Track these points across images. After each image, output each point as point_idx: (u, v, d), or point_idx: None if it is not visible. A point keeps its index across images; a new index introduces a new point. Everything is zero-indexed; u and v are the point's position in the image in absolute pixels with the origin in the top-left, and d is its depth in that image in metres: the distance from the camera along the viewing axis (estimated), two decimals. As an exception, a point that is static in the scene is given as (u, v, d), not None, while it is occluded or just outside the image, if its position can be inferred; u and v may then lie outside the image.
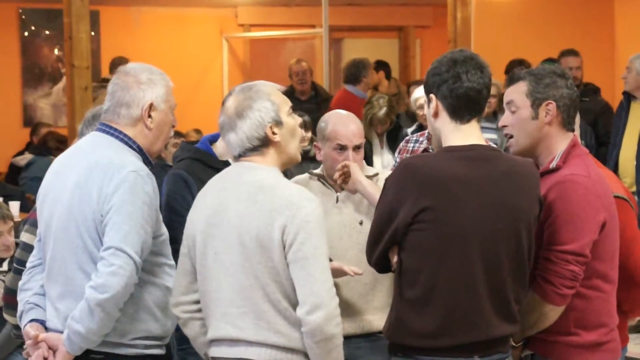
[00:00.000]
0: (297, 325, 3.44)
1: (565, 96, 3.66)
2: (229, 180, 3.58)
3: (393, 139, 8.22)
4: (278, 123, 3.55)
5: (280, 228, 3.39)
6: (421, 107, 7.39)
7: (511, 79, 3.74)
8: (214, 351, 3.57)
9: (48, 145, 10.61)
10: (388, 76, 11.72)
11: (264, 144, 3.54)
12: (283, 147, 3.58)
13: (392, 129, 8.32)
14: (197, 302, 3.62)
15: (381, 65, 11.58)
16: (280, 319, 3.44)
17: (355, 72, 9.67)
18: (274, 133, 3.54)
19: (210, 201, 3.56)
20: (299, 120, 3.69)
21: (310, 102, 9.77)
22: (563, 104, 3.65)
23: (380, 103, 8.23)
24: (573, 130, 3.71)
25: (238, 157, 3.60)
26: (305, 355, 3.47)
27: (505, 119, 3.73)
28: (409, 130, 8.24)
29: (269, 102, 3.55)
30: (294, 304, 3.43)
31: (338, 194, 4.34)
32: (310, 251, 3.39)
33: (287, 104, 3.62)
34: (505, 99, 3.74)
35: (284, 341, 3.45)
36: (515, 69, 3.84)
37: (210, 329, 3.57)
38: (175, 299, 3.67)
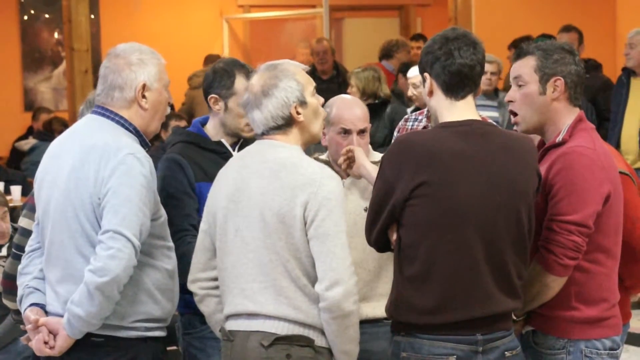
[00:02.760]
0: (315, 302, 3.49)
1: (574, 72, 3.66)
2: (251, 157, 3.63)
3: (377, 116, 8.17)
4: (302, 103, 3.61)
5: (302, 204, 3.46)
6: (415, 86, 7.34)
7: (519, 54, 3.73)
8: (231, 324, 3.61)
9: (53, 129, 10.63)
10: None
11: (287, 123, 3.60)
12: (306, 126, 3.64)
13: (375, 104, 8.23)
14: (215, 279, 3.68)
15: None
16: (300, 294, 3.50)
17: (389, 48, 10.33)
18: (298, 113, 3.60)
19: (232, 178, 3.61)
20: (322, 100, 3.73)
21: (331, 82, 9.73)
22: (571, 80, 3.65)
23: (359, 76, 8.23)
24: (579, 106, 3.71)
25: (261, 135, 3.64)
26: (322, 332, 3.53)
27: (512, 93, 3.72)
28: (408, 110, 8.22)
29: (295, 82, 3.60)
30: (313, 281, 3.49)
31: (344, 180, 4.32)
32: (331, 228, 3.45)
33: (311, 84, 3.68)
34: (513, 73, 3.73)
35: (302, 317, 3.50)
36: (523, 44, 3.82)
37: (228, 305, 3.61)
38: (193, 275, 3.73)
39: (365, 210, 4.22)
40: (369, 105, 8.02)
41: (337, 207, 3.48)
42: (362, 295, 4.20)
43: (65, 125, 10.41)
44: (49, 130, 10.74)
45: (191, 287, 3.76)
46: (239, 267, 3.56)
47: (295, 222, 3.47)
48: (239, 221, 3.56)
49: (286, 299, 3.50)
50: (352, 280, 3.48)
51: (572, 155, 3.53)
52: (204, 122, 4.47)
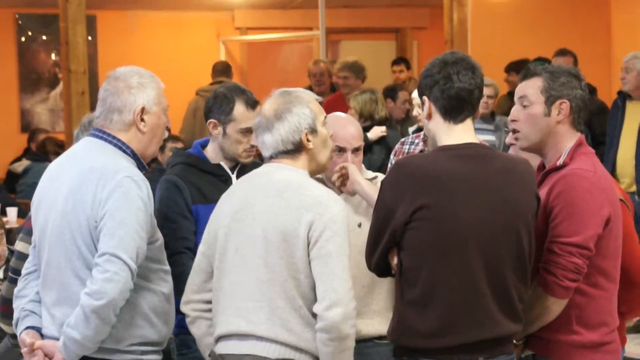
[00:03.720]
0: (310, 326, 3.48)
1: (579, 97, 3.68)
2: (258, 178, 3.65)
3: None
4: (313, 131, 3.65)
5: (307, 224, 3.47)
6: (419, 106, 7.36)
7: (526, 74, 3.74)
8: (222, 347, 3.60)
9: (47, 150, 10.61)
10: None
11: (297, 149, 3.63)
12: (314, 155, 3.68)
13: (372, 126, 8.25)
14: (208, 301, 3.69)
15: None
16: (294, 316, 3.49)
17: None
18: (308, 140, 3.63)
19: (237, 198, 3.63)
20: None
21: None
22: (576, 104, 3.67)
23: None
24: (582, 131, 3.72)
25: (269, 159, 3.66)
26: (315, 357, 3.51)
27: (515, 113, 3.72)
28: (410, 129, 8.24)
29: (308, 109, 3.65)
30: (309, 304, 3.49)
31: (337, 197, 4.33)
32: (334, 249, 3.46)
33: (322, 113, 3.72)
34: (518, 93, 3.74)
35: (294, 339, 3.50)
36: (530, 64, 3.84)
37: (220, 325, 3.60)
38: (187, 296, 3.74)
39: (359, 226, 4.23)
40: (365, 127, 8.10)
41: (341, 230, 3.49)
42: (356, 311, 4.19)
43: (59, 145, 10.41)
44: (43, 151, 10.73)
45: (184, 308, 3.76)
46: (236, 287, 3.56)
47: (298, 241, 3.48)
48: (241, 240, 3.56)
49: (280, 320, 3.49)
50: (351, 304, 3.48)
51: (573, 177, 3.54)
52: (204, 144, 4.49)
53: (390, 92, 9.49)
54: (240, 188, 3.69)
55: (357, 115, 8.13)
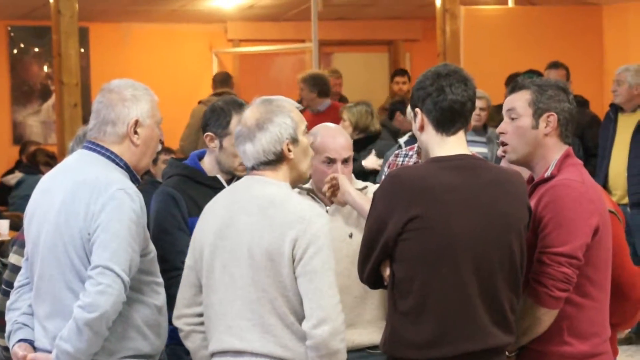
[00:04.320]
0: (302, 340, 3.48)
1: (567, 110, 3.70)
2: (239, 193, 3.62)
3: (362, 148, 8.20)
4: (294, 140, 3.61)
5: (292, 241, 3.45)
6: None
7: (514, 87, 3.76)
8: None
9: (37, 160, 10.60)
10: None
11: (278, 159, 3.60)
12: (295, 164, 3.64)
13: (365, 138, 8.26)
14: (200, 315, 3.66)
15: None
16: (287, 333, 3.48)
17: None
18: (289, 150, 3.59)
19: (220, 214, 3.61)
20: (312, 139, 3.73)
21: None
22: (563, 117, 3.69)
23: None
24: (569, 144, 3.74)
25: (250, 169, 3.63)
26: None
27: (504, 126, 3.74)
28: (401, 140, 8.24)
29: (289, 119, 3.61)
30: (301, 319, 3.47)
31: (327, 207, 4.33)
32: (319, 265, 3.44)
33: (303, 122, 3.68)
34: (506, 106, 3.75)
35: (289, 355, 3.49)
36: (519, 78, 3.86)
37: (213, 342, 3.60)
38: (179, 311, 3.72)
39: (350, 236, 4.24)
40: (359, 140, 8.11)
41: (325, 245, 3.47)
42: (348, 321, 4.18)
43: (49, 156, 10.39)
44: (34, 163, 10.71)
45: (176, 323, 3.74)
46: (226, 305, 3.54)
47: (283, 259, 3.46)
48: (226, 258, 3.55)
49: (273, 337, 3.49)
50: (339, 319, 3.47)
51: (560, 188, 3.55)
52: (201, 156, 4.49)
53: (400, 106, 9.50)
54: (222, 204, 3.65)
55: (351, 127, 8.14)
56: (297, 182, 3.72)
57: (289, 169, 3.63)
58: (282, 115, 3.60)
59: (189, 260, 3.69)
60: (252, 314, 3.50)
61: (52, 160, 10.04)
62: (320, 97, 9.52)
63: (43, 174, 9.31)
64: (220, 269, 3.56)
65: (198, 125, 9.94)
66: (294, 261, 3.46)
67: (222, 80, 10.62)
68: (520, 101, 3.70)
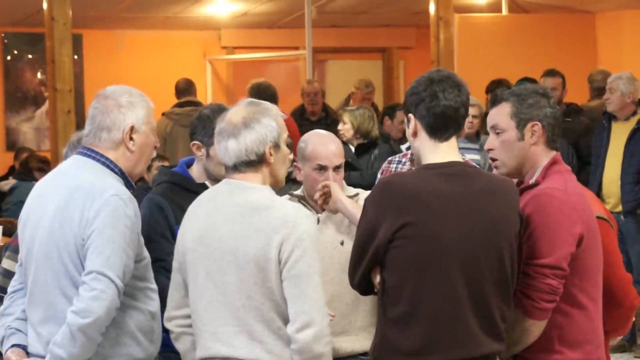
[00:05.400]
0: (289, 344, 3.47)
1: (550, 115, 3.68)
2: (221, 200, 3.60)
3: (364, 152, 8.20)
4: (276, 146, 3.60)
5: (277, 246, 3.44)
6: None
7: (494, 101, 3.75)
8: None
9: (30, 167, 10.58)
10: None
11: (259, 161, 3.57)
12: (274, 170, 3.63)
13: (365, 144, 8.26)
14: (190, 316, 3.66)
15: None
16: (273, 338, 3.48)
17: None
18: (270, 154, 3.57)
19: (202, 220, 3.59)
20: (289, 151, 3.72)
21: (320, 123, 9.69)
22: (547, 123, 3.67)
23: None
24: (557, 149, 3.73)
25: (231, 168, 3.60)
26: None
27: (491, 142, 3.74)
28: (404, 146, 8.25)
29: (275, 123, 3.60)
30: (287, 323, 3.46)
31: (319, 215, 4.34)
32: (304, 269, 3.43)
33: (285, 131, 3.67)
34: (489, 122, 3.75)
35: None
36: (497, 90, 3.85)
37: (200, 347, 3.59)
38: (169, 313, 3.72)
39: (342, 244, 4.25)
40: (362, 145, 8.11)
41: (310, 248, 3.47)
42: (340, 328, 4.20)
43: (42, 161, 10.37)
44: (27, 169, 10.69)
45: (167, 324, 3.74)
46: (211, 311, 3.53)
47: (270, 264, 3.45)
48: (210, 265, 3.53)
49: (260, 343, 3.48)
50: (324, 322, 3.46)
51: (543, 197, 3.54)
52: (189, 163, 4.49)
53: (389, 111, 9.50)
54: (203, 209, 3.63)
55: (352, 130, 8.12)
56: (272, 187, 3.67)
57: (268, 174, 3.61)
58: (269, 117, 3.59)
59: (175, 263, 3.68)
60: (238, 320, 3.49)
61: (45, 166, 10.01)
62: None
63: (37, 180, 9.34)
64: (204, 275, 3.55)
65: (161, 137, 9.78)
66: (280, 264, 3.45)
67: (184, 90, 10.02)
68: (501, 115, 3.69)
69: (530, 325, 3.52)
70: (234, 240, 3.49)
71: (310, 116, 10.08)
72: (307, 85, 10.27)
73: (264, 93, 8.65)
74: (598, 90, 9.24)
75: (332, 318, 4.05)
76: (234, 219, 3.51)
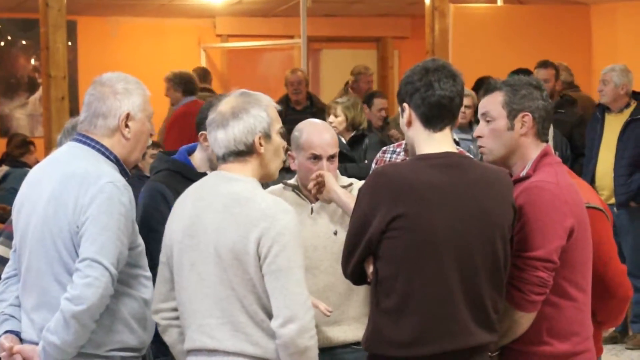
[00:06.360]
0: (274, 337, 3.45)
1: (541, 108, 3.68)
2: (206, 191, 3.58)
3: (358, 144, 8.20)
4: (267, 136, 3.57)
5: (256, 240, 3.41)
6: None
7: (487, 89, 3.76)
8: None
9: (13, 154, 10.56)
10: None
11: (248, 151, 3.55)
12: (265, 162, 3.60)
13: (357, 135, 8.26)
14: (176, 309, 3.64)
15: None
16: (257, 330, 3.46)
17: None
18: (260, 144, 3.55)
19: (188, 212, 3.57)
20: (284, 143, 3.69)
21: (305, 112, 9.63)
22: (539, 115, 3.68)
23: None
24: (547, 141, 3.74)
25: (221, 159, 3.59)
26: None
27: (480, 129, 3.74)
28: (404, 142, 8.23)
29: (265, 113, 3.57)
30: (271, 316, 3.44)
31: (312, 204, 4.34)
32: (284, 264, 3.40)
33: (279, 122, 3.64)
34: (481, 109, 3.75)
35: (260, 352, 3.46)
36: (491, 79, 3.85)
37: (187, 339, 3.58)
38: (155, 305, 3.70)
39: (335, 233, 4.24)
40: (355, 137, 8.10)
41: (290, 242, 3.43)
42: (333, 318, 4.20)
43: (21, 144, 10.39)
44: (14, 156, 10.65)
45: (154, 317, 3.72)
46: (196, 303, 3.52)
47: (249, 258, 3.43)
48: (195, 256, 3.52)
49: (244, 335, 3.46)
50: (307, 316, 3.43)
51: (534, 190, 3.55)
52: (190, 151, 4.46)
53: (367, 99, 9.48)
54: (190, 201, 3.61)
55: (345, 124, 8.11)
56: (264, 180, 3.66)
57: (258, 165, 3.59)
58: (258, 107, 3.57)
59: (162, 257, 3.66)
60: (222, 312, 3.47)
61: (24, 149, 10.18)
62: (185, 95, 9.59)
63: (29, 166, 9.34)
64: (188, 267, 3.53)
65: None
66: (259, 259, 3.42)
67: (203, 78, 10.64)
68: (493, 104, 3.70)
69: (520, 317, 3.53)
70: (215, 232, 3.48)
71: (295, 105, 10.04)
72: (291, 75, 10.23)
73: (184, 82, 9.43)
74: None
75: (329, 314, 4.06)
76: (217, 209, 3.50)
